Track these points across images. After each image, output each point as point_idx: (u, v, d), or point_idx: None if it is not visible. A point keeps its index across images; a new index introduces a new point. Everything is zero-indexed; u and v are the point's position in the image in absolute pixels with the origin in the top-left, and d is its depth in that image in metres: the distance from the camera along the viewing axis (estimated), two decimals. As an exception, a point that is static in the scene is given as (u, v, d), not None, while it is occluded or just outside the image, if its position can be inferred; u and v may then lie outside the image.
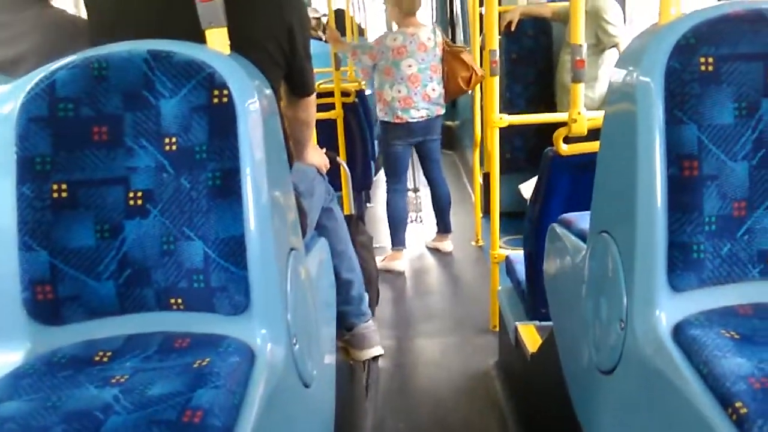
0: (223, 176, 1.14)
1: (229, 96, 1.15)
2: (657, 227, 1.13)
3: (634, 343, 1.16)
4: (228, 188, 1.14)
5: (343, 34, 4.65)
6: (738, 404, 0.89)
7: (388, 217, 4.00)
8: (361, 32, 6.19)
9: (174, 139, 1.16)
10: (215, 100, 1.15)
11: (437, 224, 4.27)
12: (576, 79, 2.16)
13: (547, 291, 1.80)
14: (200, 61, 1.16)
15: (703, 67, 1.12)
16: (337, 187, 3.87)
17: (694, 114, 1.12)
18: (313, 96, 1.86)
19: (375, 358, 2.86)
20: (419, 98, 3.73)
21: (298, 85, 1.77)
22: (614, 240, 1.26)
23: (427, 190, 4.23)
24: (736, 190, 1.13)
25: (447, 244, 4.27)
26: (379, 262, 3.79)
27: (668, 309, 1.13)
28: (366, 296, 2.25)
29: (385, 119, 3.80)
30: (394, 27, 3.85)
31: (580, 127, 2.14)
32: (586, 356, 1.38)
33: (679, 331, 1.09)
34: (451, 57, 3.82)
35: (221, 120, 1.15)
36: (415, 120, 3.76)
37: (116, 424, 0.90)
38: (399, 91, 3.71)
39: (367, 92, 4.85)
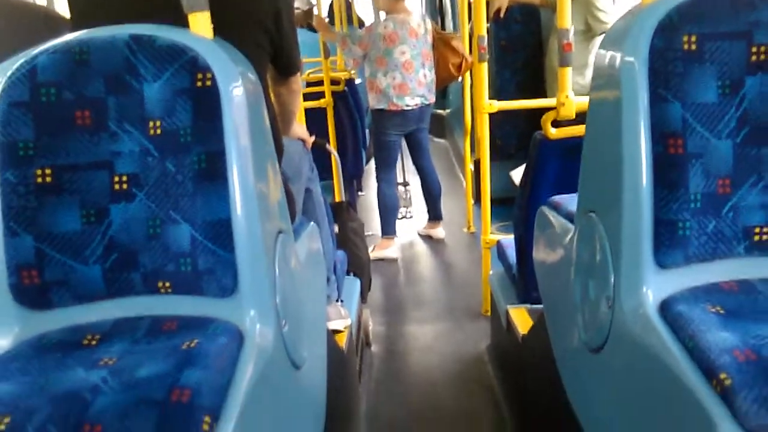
0: (209, 159, 1.14)
1: (213, 79, 1.15)
2: (643, 205, 1.14)
3: (622, 320, 1.16)
4: (214, 171, 1.14)
5: (332, 22, 4.62)
6: (722, 376, 0.90)
7: (379, 206, 4.00)
8: (352, 21, 6.16)
9: (158, 123, 1.15)
10: (199, 84, 1.15)
11: (428, 212, 4.28)
12: (564, 63, 2.16)
13: (537, 273, 1.81)
14: (183, 45, 1.16)
15: (686, 46, 1.12)
16: (328, 175, 3.89)
17: (678, 92, 1.13)
18: (299, 72, 1.88)
19: (368, 344, 2.88)
20: (414, 85, 3.71)
21: (285, 66, 1.77)
22: (601, 219, 1.26)
23: (417, 181, 4.24)
24: (721, 168, 1.14)
25: (439, 231, 4.28)
26: (372, 251, 3.79)
27: (655, 286, 1.14)
28: (332, 280, 2.25)
29: (379, 107, 3.77)
30: (382, 16, 3.84)
31: (569, 111, 2.14)
32: (576, 336, 1.39)
33: (665, 308, 1.10)
34: (441, 44, 3.81)
35: (205, 103, 1.14)
36: (410, 108, 3.74)
37: (104, 405, 0.90)
38: (394, 78, 3.68)
39: (357, 81, 4.84)
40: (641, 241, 1.14)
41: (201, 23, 1.23)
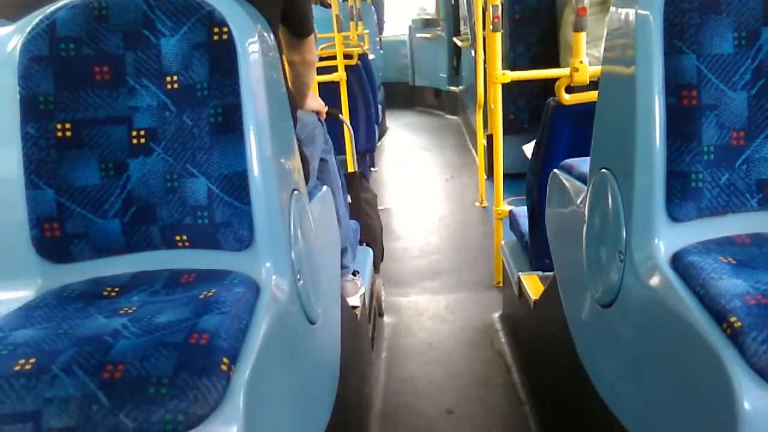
0: (225, 112, 1.16)
1: (229, 33, 1.16)
2: (656, 157, 1.14)
3: (633, 273, 1.17)
4: (230, 124, 1.16)
5: None
6: (732, 319, 0.91)
7: None
8: None
9: (175, 78, 1.17)
10: (215, 38, 1.16)
11: None
12: (578, 28, 2.15)
13: (549, 236, 1.82)
14: (199, 0, 1.17)
15: None
16: (341, 150, 3.88)
17: (693, 43, 1.13)
18: (312, 36, 1.89)
19: (381, 314, 2.91)
20: None
21: (298, 26, 1.78)
22: (614, 174, 1.27)
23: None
24: (735, 120, 1.14)
25: None
26: None
27: (667, 238, 1.15)
28: (349, 250, 2.27)
29: None
30: None
31: (582, 76, 2.13)
32: (587, 293, 1.40)
33: (677, 259, 1.11)
34: None
35: (222, 57, 1.16)
36: None
37: (125, 347, 0.93)
38: None
39: (371, 56, 4.83)
40: (653, 193, 1.15)
41: None
